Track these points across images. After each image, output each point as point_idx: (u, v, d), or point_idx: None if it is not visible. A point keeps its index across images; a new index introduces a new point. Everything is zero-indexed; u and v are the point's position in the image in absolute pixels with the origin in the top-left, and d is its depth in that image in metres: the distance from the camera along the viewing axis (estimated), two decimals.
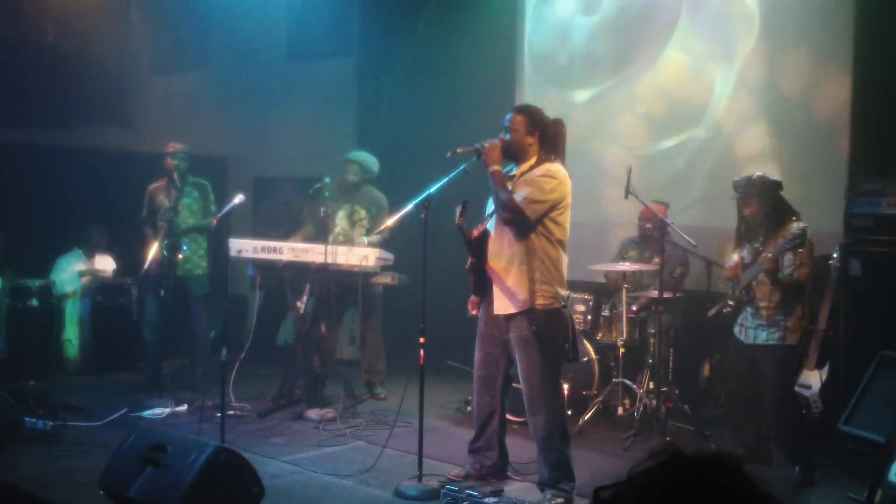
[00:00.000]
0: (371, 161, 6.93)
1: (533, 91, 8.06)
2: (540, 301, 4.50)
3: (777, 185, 5.08)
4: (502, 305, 4.60)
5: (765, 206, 5.02)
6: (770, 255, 4.83)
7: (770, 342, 5.03)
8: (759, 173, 5.17)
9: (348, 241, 6.81)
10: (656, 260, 6.14)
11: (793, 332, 5.03)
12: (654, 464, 1.23)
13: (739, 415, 5.38)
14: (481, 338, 4.82)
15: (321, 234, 6.50)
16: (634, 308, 6.44)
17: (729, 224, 6.97)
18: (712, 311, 5.54)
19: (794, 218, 4.98)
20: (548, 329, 4.50)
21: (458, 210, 4.55)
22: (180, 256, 6.75)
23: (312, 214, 6.78)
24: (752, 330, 5.09)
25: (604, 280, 6.85)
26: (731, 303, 5.19)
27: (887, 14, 6.20)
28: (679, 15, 7.30)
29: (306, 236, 6.74)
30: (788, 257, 4.90)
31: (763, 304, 5.04)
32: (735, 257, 5.24)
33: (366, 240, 6.60)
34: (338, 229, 6.86)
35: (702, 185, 7.19)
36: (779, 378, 5.06)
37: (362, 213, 6.89)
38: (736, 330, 5.22)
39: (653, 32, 7.44)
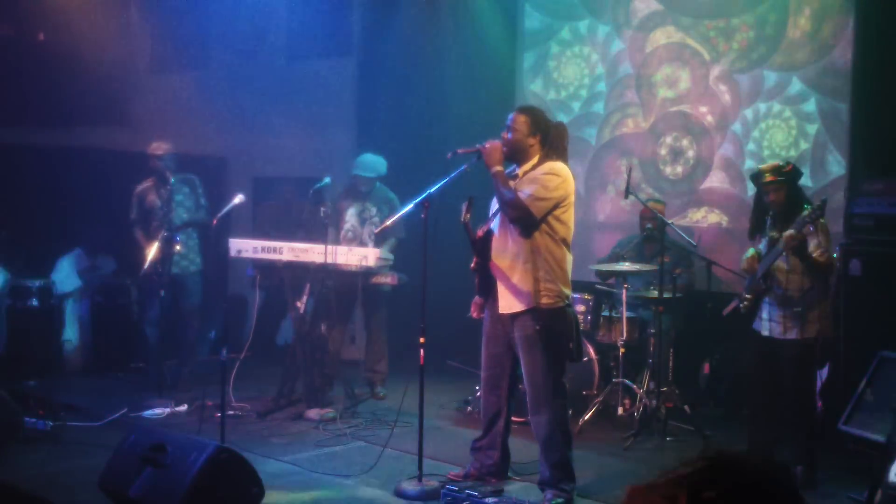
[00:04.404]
0: (380, 164, 6.93)
1: (533, 91, 8.07)
2: (544, 300, 4.49)
3: (801, 175, 5.15)
4: (507, 304, 4.59)
5: (790, 194, 5.03)
6: (792, 231, 4.77)
7: (789, 336, 5.00)
8: (788, 161, 5.22)
9: (357, 237, 6.85)
10: (666, 260, 6.12)
11: (812, 324, 4.97)
12: (702, 466, 1.19)
13: (753, 409, 5.34)
14: (487, 338, 4.82)
15: (332, 234, 6.56)
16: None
17: (729, 225, 7.02)
18: (728, 310, 5.51)
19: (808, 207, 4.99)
20: (552, 328, 4.50)
21: (463, 207, 4.53)
22: (177, 248, 6.72)
23: (313, 215, 6.80)
24: (768, 322, 5.07)
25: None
26: (748, 296, 5.16)
27: (887, 14, 6.20)
28: (680, 20, 7.31)
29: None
30: (812, 241, 4.88)
31: (781, 292, 5.01)
32: (751, 249, 5.22)
33: (377, 246, 6.62)
34: (347, 226, 6.90)
35: (701, 185, 7.19)
36: (798, 374, 5.03)
37: (373, 210, 6.93)
38: (756, 324, 5.18)
39: (652, 34, 7.46)
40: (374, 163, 6.92)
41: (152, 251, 6.67)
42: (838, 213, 6.03)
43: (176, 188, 6.88)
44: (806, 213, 4.77)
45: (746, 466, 1.17)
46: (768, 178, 5.05)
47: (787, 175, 5.03)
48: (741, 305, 5.23)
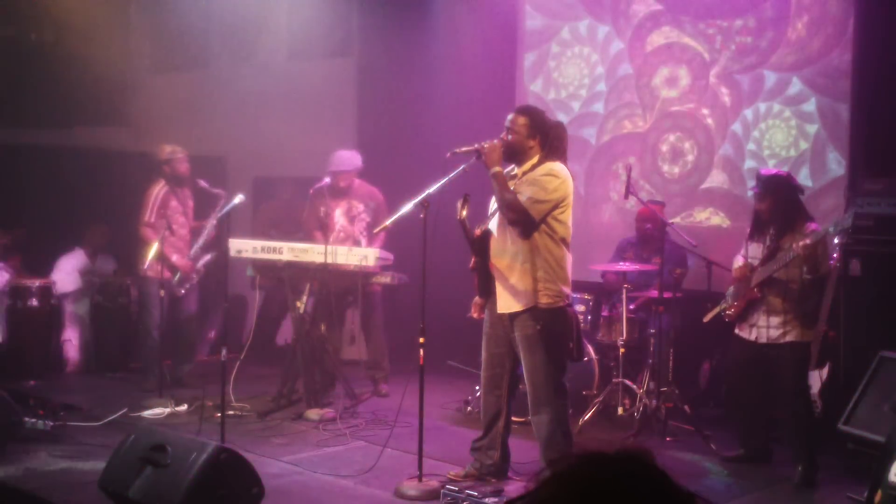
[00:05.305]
0: (355, 157, 6.94)
1: (533, 91, 8.07)
2: (544, 300, 4.50)
3: (794, 188, 5.12)
4: (506, 304, 4.59)
5: (777, 205, 5.03)
6: (809, 241, 4.78)
7: (788, 339, 5.01)
8: (783, 171, 5.22)
9: (349, 237, 6.85)
10: (655, 260, 6.14)
11: (809, 328, 5.02)
12: (560, 468, 1.18)
13: (744, 415, 5.37)
14: (487, 338, 4.82)
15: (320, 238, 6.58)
16: (632, 307, 6.44)
17: (729, 226, 7.02)
18: (708, 317, 5.53)
19: (807, 221, 4.99)
20: (552, 328, 4.50)
21: (458, 205, 4.54)
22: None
23: (313, 215, 6.80)
24: (765, 329, 5.07)
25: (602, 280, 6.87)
26: (736, 303, 5.17)
27: (887, 14, 6.20)
28: (680, 20, 7.31)
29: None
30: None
31: (779, 301, 5.02)
32: (739, 259, 5.23)
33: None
34: (337, 226, 6.90)
35: (701, 186, 7.19)
36: (797, 376, 5.04)
37: (359, 206, 6.92)
38: (744, 331, 5.19)
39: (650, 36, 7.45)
40: (349, 157, 6.93)
41: (152, 251, 6.70)
42: (838, 213, 6.03)
43: (188, 193, 7.05)
44: (832, 225, 4.77)
45: (596, 463, 1.17)
46: (754, 184, 5.12)
47: (767, 185, 5.04)
48: (726, 313, 5.24)
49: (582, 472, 1.17)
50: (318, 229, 6.80)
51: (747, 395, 5.28)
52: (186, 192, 7.08)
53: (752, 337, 5.13)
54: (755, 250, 5.18)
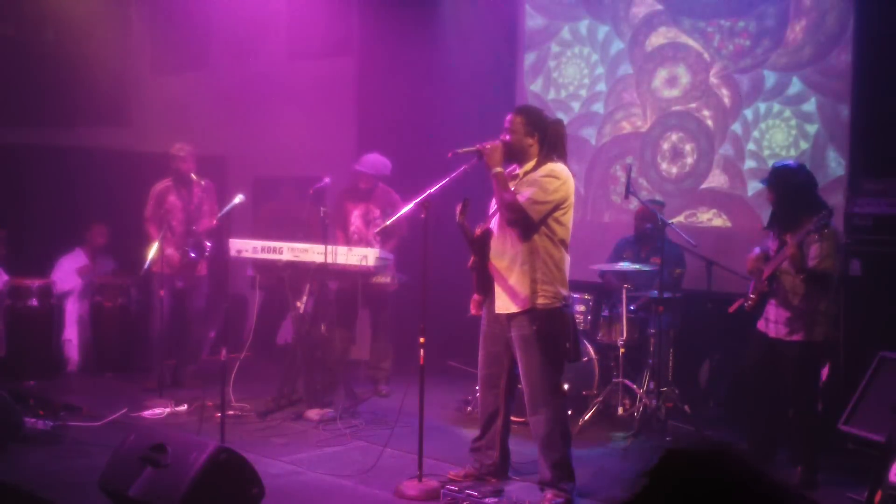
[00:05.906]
0: (382, 164, 6.93)
1: (533, 91, 8.07)
2: (541, 301, 4.50)
3: (798, 181, 5.03)
4: (504, 305, 4.60)
5: (781, 198, 5.02)
6: (793, 240, 4.79)
7: (793, 338, 4.99)
8: (791, 163, 5.22)
9: (363, 240, 6.87)
10: (654, 259, 6.15)
11: (817, 327, 4.97)
12: (652, 469, 1.20)
13: (751, 410, 5.35)
14: (484, 337, 4.83)
15: (341, 237, 6.62)
16: (632, 307, 6.45)
17: (729, 226, 7.02)
18: (734, 307, 5.52)
19: (813, 215, 4.96)
20: (549, 329, 4.50)
21: (458, 208, 4.55)
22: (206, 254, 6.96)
23: (313, 215, 6.82)
24: (774, 323, 5.06)
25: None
26: (752, 295, 5.16)
27: (887, 14, 6.20)
28: (680, 20, 7.31)
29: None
30: (814, 248, 4.88)
31: (786, 296, 5.01)
32: (756, 249, 5.22)
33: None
34: (352, 228, 6.92)
35: (701, 186, 7.20)
36: (800, 376, 5.02)
37: (377, 212, 6.93)
38: (760, 323, 5.18)
39: (652, 38, 7.46)
40: (376, 161, 6.92)
41: (153, 251, 6.70)
42: (838, 213, 6.02)
43: (198, 191, 7.04)
44: (812, 221, 4.77)
45: (697, 460, 1.19)
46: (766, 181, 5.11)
47: (771, 178, 5.04)
48: (745, 304, 5.24)
49: (669, 473, 1.20)
50: (340, 229, 6.86)
51: (755, 388, 5.25)
52: (194, 190, 7.03)
53: (766, 330, 5.12)
54: (774, 243, 5.17)
